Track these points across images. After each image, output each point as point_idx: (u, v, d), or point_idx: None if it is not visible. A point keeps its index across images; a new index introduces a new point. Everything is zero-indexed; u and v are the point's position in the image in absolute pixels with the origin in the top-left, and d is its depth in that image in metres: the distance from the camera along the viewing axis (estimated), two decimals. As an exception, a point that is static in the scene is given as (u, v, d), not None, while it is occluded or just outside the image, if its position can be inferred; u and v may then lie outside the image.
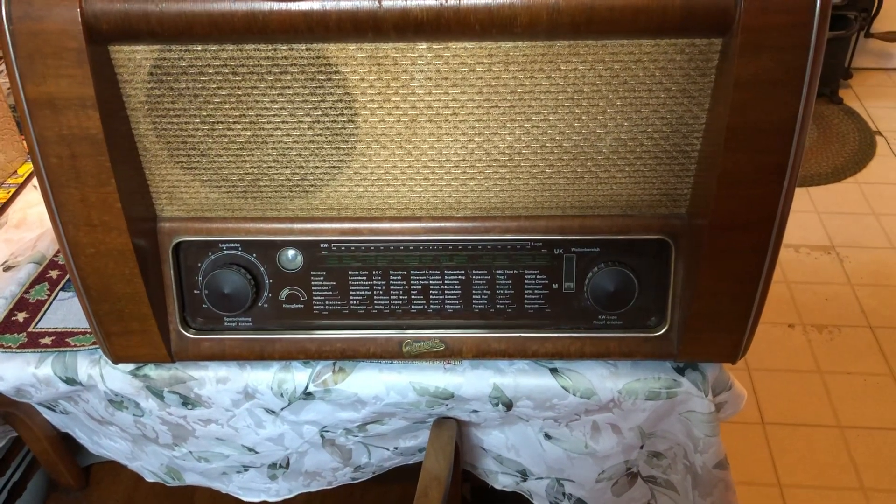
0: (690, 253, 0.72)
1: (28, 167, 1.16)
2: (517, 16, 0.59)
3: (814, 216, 2.55)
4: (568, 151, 0.69)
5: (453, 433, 0.86)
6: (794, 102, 0.61)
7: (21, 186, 1.12)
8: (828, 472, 1.72)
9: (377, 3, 0.59)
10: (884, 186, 2.71)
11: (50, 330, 0.85)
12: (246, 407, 0.84)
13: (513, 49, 0.64)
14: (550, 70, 0.65)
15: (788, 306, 2.18)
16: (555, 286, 0.76)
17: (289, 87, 0.66)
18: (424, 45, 0.64)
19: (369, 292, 0.77)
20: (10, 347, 0.83)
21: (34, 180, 1.14)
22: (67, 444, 1.07)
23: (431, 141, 0.69)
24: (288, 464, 0.94)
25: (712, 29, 0.61)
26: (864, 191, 2.68)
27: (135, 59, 0.64)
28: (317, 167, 0.70)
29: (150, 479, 1.00)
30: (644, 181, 0.71)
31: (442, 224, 0.74)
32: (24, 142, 1.18)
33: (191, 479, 0.98)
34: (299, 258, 0.75)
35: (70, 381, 0.82)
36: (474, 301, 0.77)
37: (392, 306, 0.77)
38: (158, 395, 0.83)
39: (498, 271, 0.75)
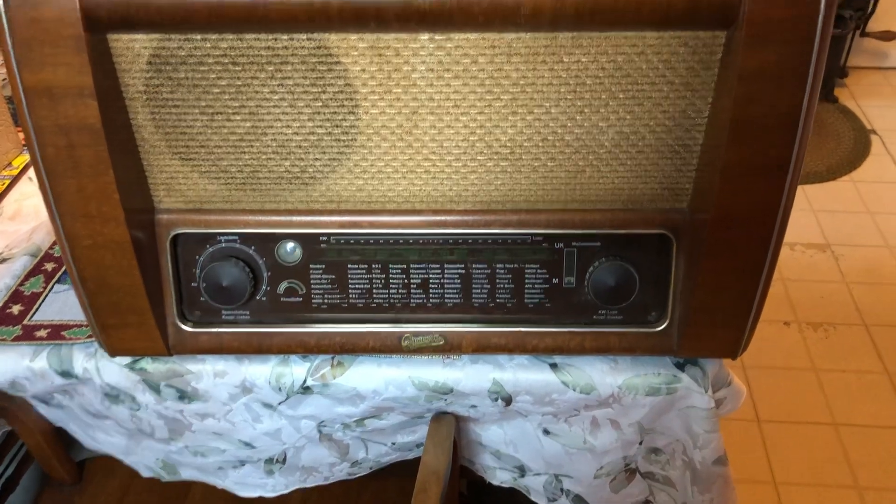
0: (691, 248, 0.72)
1: (23, 158, 1.15)
2: (521, 6, 0.58)
3: (809, 214, 2.55)
4: (570, 144, 0.69)
5: (452, 428, 0.85)
6: (798, 96, 0.61)
7: (16, 178, 1.11)
8: (823, 469, 1.73)
9: (380, -8, 0.58)
10: (878, 185, 2.72)
11: (45, 322, 0.85)
12: (243, 401, 0.84)
13: (515, 40, 0.63)
14: (553, 62, 0.64)
15: (784, 304, 2.18)
16: (555, 280, 0.75)
17: (289, 78, 0.65)
18: (426, 36, 0.63)
19: (368, 286, 0.76)
20: (4, 340, 0.82)
21: (29, 172, 1.13)
22: (61, 439, 1.06)
23: (432, 133, 0.68)
24: (285, 459, 0.93)
25: (717, 21, 0.60)
26: (859, 189, 2.69)
27: (133, 48, 0.64)
28: (316, 159, 0.70)
29: (145, 473, 0.99)
30: (646, 175, 0.70)
31: (442, 217, 0.73)
32: (20, 133, 1.17)
33: (186, 474, 0.98)
34: (298, 251, 0.75)
35: (65, 374, 0.81)
36: (474, 295, 0.76)
37: (391, 300, 0.77)
38: (155, 388, 0.82)
39: (498, 265, 0.75)
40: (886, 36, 3.24)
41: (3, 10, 0.58)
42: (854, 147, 2.92)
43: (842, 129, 3.04)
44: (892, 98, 3.30)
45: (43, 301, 0.88)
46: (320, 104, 0.67)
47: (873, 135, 3.02)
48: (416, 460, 0.86)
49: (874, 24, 3.26)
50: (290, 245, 0.75)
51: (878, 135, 3.02)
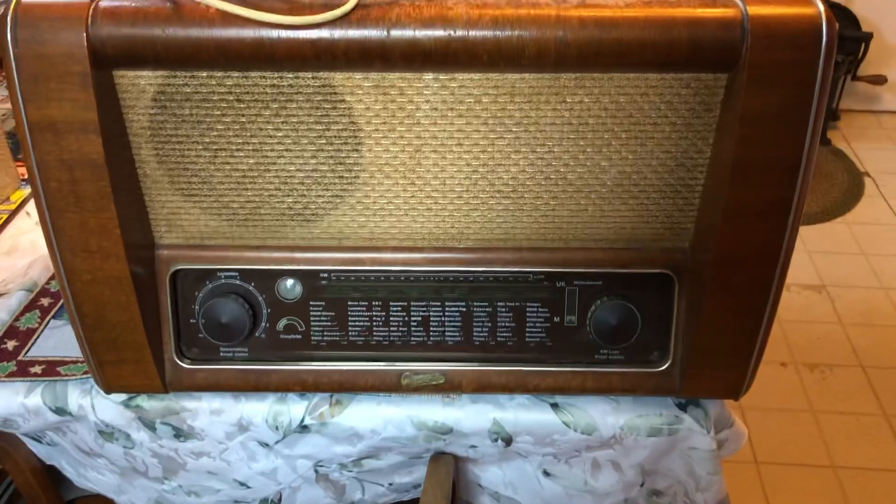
0: (693, 287, 0.72)
1: (21, 193, 1.15)
2: (525, 48, 0.59)
3: (804, 255, 2.56)
4: (572, 183, 0.69)
5: (450, 469, 0.84)
6: (799, 138, 0.61)
7: (13, 213, 1.11)
8: (822, 512, 1.71)
9: (385, 32, 0.59)
10: (872, 227, 2.73)
11: (40, 358, 0.84)
12: (239, 440, 0.82)
13: (519, 81, 0.64)
14: (556, 102, 0.65)
15: (780, 345, 2.18)
16: (556, 319, 0.75)
17: (293, 115, 0.66)
18: (431, 76, 0.64)
19: (368, 323, 0.76)
20: (-2, 376, 0.81)
21: (27, 206, 1.12)
22: (51, 477, 1.04)
23: (435, 171, 0.68)
24: (280, 499, 0.92)
25: (718, 64, 0.61)
26: (853, 231, 2.70)
27: (139, 85, 0.64)
28: (319, 196, 0.70)
29: (137, 513, 0.97)
30: (647, 214, 0.71)
31: (444, 255, 0.73)
32: (19, 168, 1.17)
33: (179, 515, 0.96)
34: (298, 288, 0.74)
35: (60, 411, 0.80)
36: (475, 334, 0.76)
37: (391, 338, 0.76)
38: (150, 426, 0.81)
39: (499, 303, 0.75)
40: (877, 80, 3.28)
41: (11, 47, 0.58)
42: (847, 189, 2.95)
43: (835, 170, 3.07)
44: (885, 140, 3.34)
45: (38, 337, 0.87)
46: (324, 141, 0.67)
47: (866, 177, 3.04)
48: (412, 502, 0.84)
49: (865, 69, 3.31)
50: (290, 282, 0.74)
51: (871, 177, 3.04)
